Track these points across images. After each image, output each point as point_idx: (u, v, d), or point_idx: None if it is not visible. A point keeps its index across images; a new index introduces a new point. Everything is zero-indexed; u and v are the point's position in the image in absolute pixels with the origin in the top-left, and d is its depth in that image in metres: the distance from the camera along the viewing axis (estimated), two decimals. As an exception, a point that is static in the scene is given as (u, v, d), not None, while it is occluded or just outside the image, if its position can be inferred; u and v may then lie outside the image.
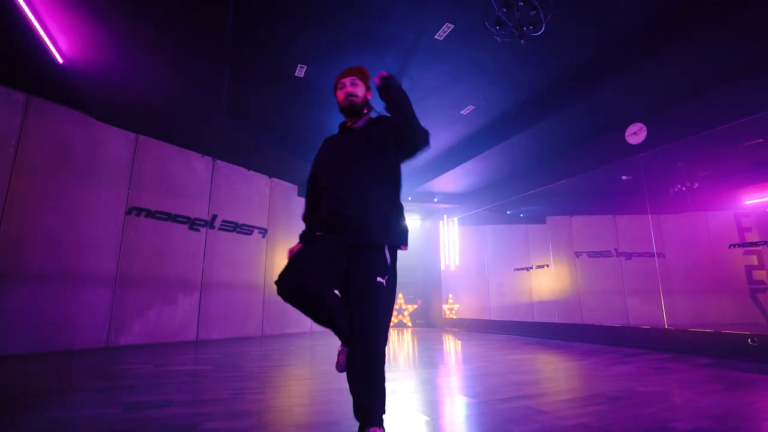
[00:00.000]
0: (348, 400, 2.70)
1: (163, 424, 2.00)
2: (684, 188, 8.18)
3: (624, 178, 8.81)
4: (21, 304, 4.51)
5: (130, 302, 5.53)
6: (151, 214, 5.94)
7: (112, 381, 3.14)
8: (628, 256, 10.57)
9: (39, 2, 3.47)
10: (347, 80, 1.91)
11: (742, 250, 9.55)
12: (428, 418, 2.20)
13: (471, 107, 5.85)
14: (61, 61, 4.02)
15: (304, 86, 5.30)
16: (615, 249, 10.64)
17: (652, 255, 10.83)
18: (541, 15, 2.91)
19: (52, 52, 3.88)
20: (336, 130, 2.04)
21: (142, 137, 5.97)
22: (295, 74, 5.03)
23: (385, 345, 1.69)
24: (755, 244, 9.19)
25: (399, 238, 1.78)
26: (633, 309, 10.36)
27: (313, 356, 4.92)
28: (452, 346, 6.05)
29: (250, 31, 4.31)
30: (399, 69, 4.84)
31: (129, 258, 5.59)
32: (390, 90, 1.81)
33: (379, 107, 2.03)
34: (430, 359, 4.71)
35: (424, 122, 5.95)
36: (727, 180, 8.87)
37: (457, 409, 2.43)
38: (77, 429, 1.91)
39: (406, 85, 5.28)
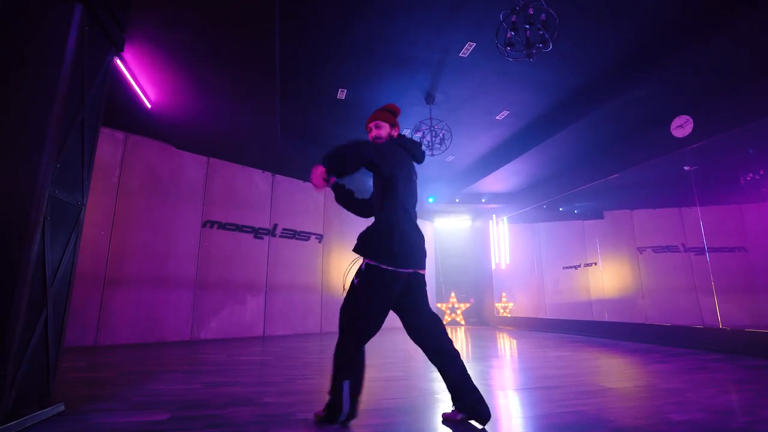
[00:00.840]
0: (384, 386, 3.14)
1: (232, 397, 2.58)
2: (757, 176, 7.53)
3: (686, 168, 8.30)
4: (125, 304, 5.54)
5: (207, 302, 6.45)
6: (222, 225, 6.86)
7: (194, 366, 3.88)
8: (699, 251, 9.85)
9: (132, 62, 4.33)
10: (372, 125, 2.24)
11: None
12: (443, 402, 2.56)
13: (506, 112, 6.01)
14: (149, 106, 4.92)
15: (346, 107, 5.84)
16: (682, 244, 9.97)
17: (729, 250, 10.01)
18: (546, 36, 3.10)
19: (142, 100, 4.77)
20: None
21: (212, 159, 6.91)
22: (338, 97, 5.58)
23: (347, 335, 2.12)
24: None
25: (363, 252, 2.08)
26: (708, 308, 9.63)
27: (367, 349, 5.42)
28: (500, 344, 6.24)
29: (297, 64, 4.92)
30: (429, 86, 5.19)
31: (205, 264, 6.53)
32: (331, 171, 1.88)
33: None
34: (474, 355, 4.99)
35: (462, 129, 6.27)
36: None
37: (473, 397, 2.75)
38: (172, 397, 2.55)
39: (439, 98, 5.62)
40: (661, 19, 4.15)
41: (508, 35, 3.30)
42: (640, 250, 10.32)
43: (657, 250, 10.30)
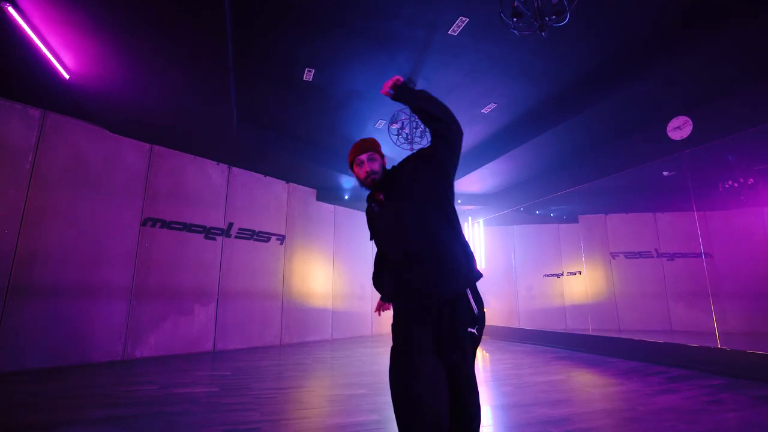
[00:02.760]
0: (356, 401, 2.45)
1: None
2: (736, 184, 7.40)
3: (665, 174, 8.14)
4: (36, 319, 4.53)
5: (146, 314, 5.50)
6: (166, 224, 5.91)
7: (113, 409, 3.03)
8: (671, 256, 9.80)
9: (40, 23, 3.39)
10: (364, 156, 1.81)
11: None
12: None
13: (492, 105, 5.44)
14: (67, 77, 3.96)
15: (315, 90, 5.07)
16: (656, 249, 9.88)
17: (698, 255, 10.02)
18: (565, 2, 2.52)
19: (57, 69, 3.82)
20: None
21: (156, 147, 5.94)
22: (304, 78, 4.80)
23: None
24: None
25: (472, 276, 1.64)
26: (677, 314, 9.60)
27: (333, 372, 4.70)
28: (478, 360, 5.69)
29: (253, 39, 4.11)
30: (412, 69, 4.52)
31: (144, 270, 5.57)
32: (403, 97, 1.79)
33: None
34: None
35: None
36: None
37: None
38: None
39: (421, 85, 4.96)
40: (673, 10, 3.68)
41: (515, 3, 2.68)
42: (613, 255, 10.20)
43: (629, 255, 10.20)
